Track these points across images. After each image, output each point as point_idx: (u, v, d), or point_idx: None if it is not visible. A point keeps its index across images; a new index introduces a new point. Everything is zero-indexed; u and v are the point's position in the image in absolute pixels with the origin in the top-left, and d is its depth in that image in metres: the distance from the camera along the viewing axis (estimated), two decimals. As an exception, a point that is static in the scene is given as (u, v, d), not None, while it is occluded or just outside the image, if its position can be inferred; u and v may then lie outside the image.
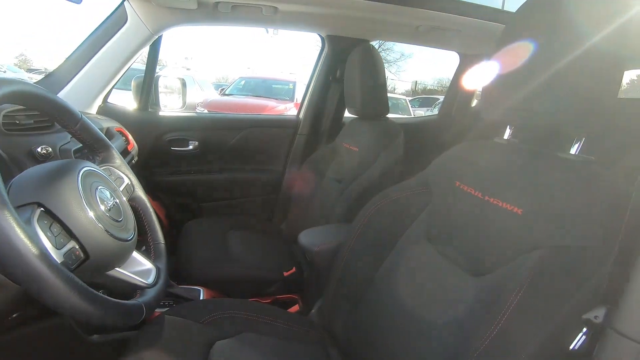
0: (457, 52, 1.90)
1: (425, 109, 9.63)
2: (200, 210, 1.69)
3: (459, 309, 0.66)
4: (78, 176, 0.53)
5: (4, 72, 12.86)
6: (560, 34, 0.60)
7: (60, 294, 0.39)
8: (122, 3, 1.28)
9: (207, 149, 1.68)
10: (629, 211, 0.39)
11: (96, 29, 1.30)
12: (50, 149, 0.76)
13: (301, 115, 1.80)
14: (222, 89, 8.27)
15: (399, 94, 12.09)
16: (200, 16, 1.36)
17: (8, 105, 0.79)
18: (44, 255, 0.39)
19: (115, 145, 0.81)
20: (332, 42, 1.65)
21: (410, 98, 11.14)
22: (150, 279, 0.62)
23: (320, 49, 1.72)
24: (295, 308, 1.22)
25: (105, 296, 0.45)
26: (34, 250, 0.38)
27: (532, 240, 0.58)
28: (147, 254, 0.71)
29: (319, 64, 1.72)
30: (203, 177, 1.70)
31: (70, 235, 0.47)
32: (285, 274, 1.22)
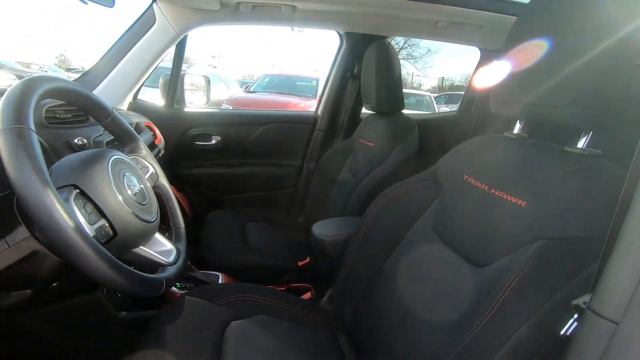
0: (478, 47, 1.87)
1: (451, 105, 9.39)
2: (221, 202, 1.77)
3: (461, 298, 0.68)
4: (108, 163, 0.59)
5: (45, 71, 13.65)
6: (567, 30, 0.61)
7: (92, 262, 0.45)
8: (150, 5, 1.36)
9: (229, 144, 1.76)
10: (619, 200, 0.40)
11: (127, 31, 1.39)
12: (85, 141, 0.84)
13: (319, 112, 1.84)
14: (247, 87, 8.42)
15: (425, 91, 11.86)
16: (222, 16, 1.43)
17: (49, 100, 0.88)
18: (79, 228, 0.45)
19: (143, 139, 0.88)
20: (349, 39, 1.68)
21: (436, 95, 10.91)
22: (171, 258, 0.68)
23: (338, 45, 1.75)
24: (307, 295, 1.27)
25: (131, 268, 0.51)
26: (71, 223, 0.44)
27: (534, 231, 0.59)
28: (169, 237, 0.78)
29: (337, 60, 1.75)
30: (225, 170, 1.78)
31: (101, 214, 0.54)
32: (300, 263, 1.27)
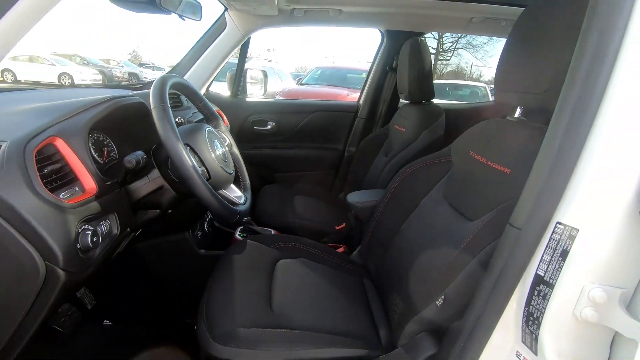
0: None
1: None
2: (273, 178, 2.07)
3: (454, 244, 0.87)
4: (205, 132, 0.89)
5: (122, 66, 15.22)
6: (548, 30, 0.75)
7: (200, 189, 0.74)
8: (223, 13, 1.67)
9: (282, 129, 2.04)
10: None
11: (203, 35, 1.72)
12: (182, 119, 1.16)
13: (361, 101, 2.06)
14: (299, 79, 8.77)
15: (485, 82, 11.34)
16: (280, 20, 1.70)
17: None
18: (194, 168, 0.74)
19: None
20: (390, 36, 1.87)
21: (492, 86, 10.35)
22: (242, 200, 0.97)
23: (380, 41, 1.94)
24: (341, 251, 1.52)
25: (220, 198, 0.79)
26: (190, 163, 0.73)
27: (511, 192, 0.78)
28: (240, 188, 1.07)
29: (378, 55, 1.95)
30: (277, 151, 2.07)
31: (202, 163, 0.83)
32: (337, 227, 1.52)
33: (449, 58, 14.56)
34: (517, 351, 0.58)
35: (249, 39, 1.83)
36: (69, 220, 0.61)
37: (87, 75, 11.61)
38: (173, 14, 1.00)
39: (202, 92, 1.83)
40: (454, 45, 14.23)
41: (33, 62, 11.10)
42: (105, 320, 1.25)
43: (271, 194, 1.78)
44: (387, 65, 1.93)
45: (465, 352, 0.62)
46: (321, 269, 1.15)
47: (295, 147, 2.09)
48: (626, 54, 0.46)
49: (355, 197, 1.35)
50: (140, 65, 19.85)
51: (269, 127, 2.03)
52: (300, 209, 1.64)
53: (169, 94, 0.77)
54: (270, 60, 9.79)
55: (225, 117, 1.81)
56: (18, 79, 10.68)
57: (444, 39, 14.06)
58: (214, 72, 1.80)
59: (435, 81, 1.63)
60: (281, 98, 6.51)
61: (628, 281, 0.48)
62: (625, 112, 0.47)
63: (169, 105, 0.75)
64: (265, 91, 2.16)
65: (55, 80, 10.88)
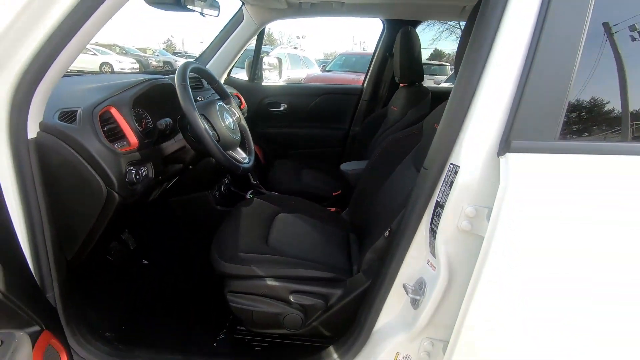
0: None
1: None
2: (285, 154, 2.33)
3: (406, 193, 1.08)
4: (217, 106, 1.15)
5: (157, 56, 15.97)
6: None
7: (212, 148, 1.00)
8: (240, 8, 1.92)
9: (293, 110, 2.29)
10: None
11: (224, 27, 1.98)
12: (202, 98, 1.44)
13: (365, 85, 2.26)
14: (324, 66, 8.94)
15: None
16: (289, 12, 1.93)
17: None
18: (207, 130, 1.00)
19: (233, 104, 1.45)
20: (389, 24, 2.05)
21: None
22: (246, 160, 1.24)
23: (381, 30, 2.13)
24: (332, 210, 1.76)
25: (227, 155, 1.06)
26: (203, 127, 1.00)
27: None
28: (245, 151, 1.33)
29: (380, 42, 2.14)
30: (289, 130, 2.33)
31: (214, 128, 1.10)
32: (334, 194, 1.77)
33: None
34: (428, 260, 0.81)
35: (263, 30, 2.07)
36: (121, 161, 0.89)
37: (125, 65, 12.36)
38: (196, 11, 1.27)
39: (224, 77, 2.11)
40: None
41: (78, 52, 11.93)
42: (143, 260, 1.58)
43: (281, 166, 2.05)
44: (387, 52, 2.12)
45: (395, 263, 0.85)
46: (313, 221, 1.39)
47: (305, 126, 2.33)
48: (492, 59, 0.66)
49: (346, 166, 1.58)
50: (174, 54, 20.71)
51: (281, 108, 2.29)
52: (306, 179, 1.89)
53: (191, 78, 1.03)
54: (296, 48, 10.01)
55: (243, 99, 2.08)
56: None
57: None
58: (234, 59, 2.06)
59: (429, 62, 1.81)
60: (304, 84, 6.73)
61: (490, 202, 0.69)
62: (489, 94, 0.67)
63: (189, 85, 1.02)
64: (280, 76, 2.41)
65: (97, 69, 11.69)
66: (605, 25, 0.67)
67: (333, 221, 1.45)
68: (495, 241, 0.64)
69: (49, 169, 0.79)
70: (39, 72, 0.70)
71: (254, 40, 2.11)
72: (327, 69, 8.16)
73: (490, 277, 0.66)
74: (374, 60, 2.21)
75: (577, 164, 0.66)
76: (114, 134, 0.93)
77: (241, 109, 2.04)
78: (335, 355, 0.96)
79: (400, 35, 1.71)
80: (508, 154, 0.65)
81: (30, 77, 0.70)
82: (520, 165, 0.64)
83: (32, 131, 0.77)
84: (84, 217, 0.87)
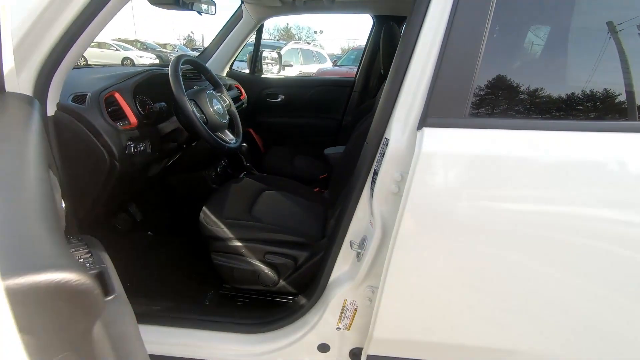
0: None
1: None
2: (283, 141, 2.50)
3: None
4: (207, 94, 1.33)
5: (177, 51, 16.40)
6: None
7: (199, 129, 1.18)
8: (240, 6, 2.09)
9: (290, 101, 2.46)
10: None
11: (226, 23, 2.16)
12: (198, 87, 1.62)
13: (357, 77, 2.40)
14: (335, 61, 9.05)
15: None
16: (284, 9, 2.09)
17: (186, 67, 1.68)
18: (194, 113, 1.18)
19: (233, 95, 1.63)
20: (379, 20, 2.18)
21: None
22: (232, 142, 1.41)
23: (371, 25, 2.26)
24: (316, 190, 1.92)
25: (214, 136, 1.23)
26: (191, 109, 1.18)
27: None
28: (233, 134, 1.51)
29: (370, 36, 2.27)
30: (286, 120, 2.50)
31: (202, 112, 1.28)
32: (320, 177, 1.93)
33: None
34: (370, 220, 0.96)
35: (262, 26, 2.24)
36: (122, 137, 1.08)
37: (146, 60, 12.82)
38: (193, 10, 1.45)
39: (226, 69, 2.29)
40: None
41: (100, 48, 12.47)
42: (149, 232, 1.79)
43: (276, 151, 2.22)
44: (376, 46, 2.25)
45: (344, 223, 1.00)
46: (295, 198, 1.56)
47: (301, 116, 2.49)
48: (415, 51, 0.81)
49: (329, 150, 1.74)
50: (194, 49, 21.19)
51: (279, 99, 2.45)
52: (297, 164, 2.06)
53: (189, 70, 1.19)
54: (309, 43, 10.15)
55: (243, 90, 2.26)
56: (89, 63, 12.13)
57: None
58: (235, 53, 2.24)
59: None
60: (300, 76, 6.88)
61: (412, 168, 0.84)
62: (413, 80, 0.81)
63: (180, 74, 1.20)
64: (279, 69, 2.58)
65: (119, 63, 12.18)
66: (507, 22, 0.81)
67: (314, 199, 1.62)
68: (410, 200, 0.79)
69: (64, 141, 0.98)
70: (55, 63, 0.88)
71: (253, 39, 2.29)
72: (338, 64, 8.29)
73: (406, 230, 0.81)
74: (364, 55, 2.34)
75: (481, 137, 0.80)
76: (117, 115, 1.12)
77: (241, 100, 2.22)
78: (299, 305, 1.13)
79: (383, 31, 1.84)
80: (424, 128, 0.80)
81: (48, 67, 0.88)
82: (432, 137, 0.79)
83: (51, 110, 0.96)
84: (91, 181, 1.06)
